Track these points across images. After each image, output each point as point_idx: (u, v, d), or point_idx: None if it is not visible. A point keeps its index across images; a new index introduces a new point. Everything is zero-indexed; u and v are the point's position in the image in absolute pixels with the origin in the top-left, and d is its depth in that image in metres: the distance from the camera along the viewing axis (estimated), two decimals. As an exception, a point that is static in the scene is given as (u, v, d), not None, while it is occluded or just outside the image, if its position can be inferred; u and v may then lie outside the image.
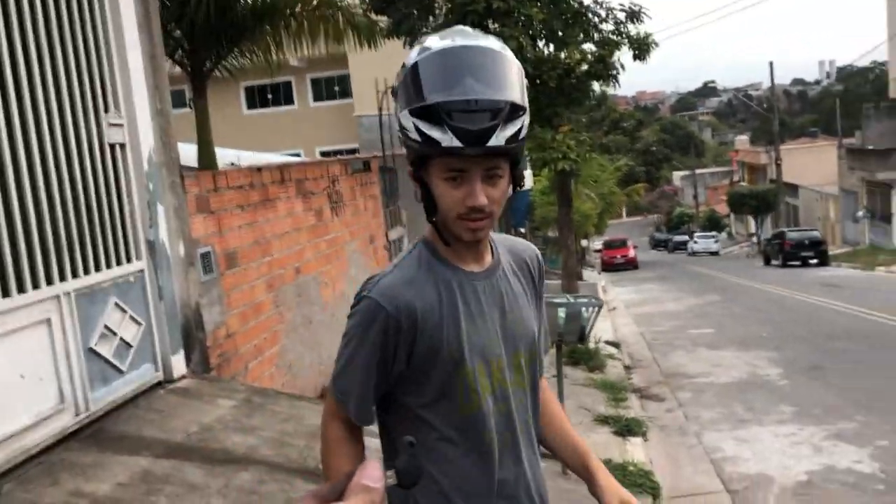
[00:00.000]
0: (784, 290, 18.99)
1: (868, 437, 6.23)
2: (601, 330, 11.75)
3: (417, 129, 1.39)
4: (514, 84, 1.40)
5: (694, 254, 45.23)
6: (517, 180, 1.50)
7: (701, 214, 60.48)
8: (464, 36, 1.43)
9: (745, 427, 6.95)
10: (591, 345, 9.84)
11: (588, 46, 12.27)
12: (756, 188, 46.23)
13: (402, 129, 1.43)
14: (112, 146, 4.28)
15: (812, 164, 44.29)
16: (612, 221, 45.81)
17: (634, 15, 12.23)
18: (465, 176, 1.41)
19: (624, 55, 13.41)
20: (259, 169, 6.72)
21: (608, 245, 39.93)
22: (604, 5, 12.31)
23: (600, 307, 5.65)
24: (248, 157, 11.47)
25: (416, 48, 1.45)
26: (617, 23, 12.32)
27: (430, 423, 1.52)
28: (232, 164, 9.49)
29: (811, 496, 5.12)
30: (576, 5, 12.15)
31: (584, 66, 11.80)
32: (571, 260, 13.86)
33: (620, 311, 17.58)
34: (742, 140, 69.01)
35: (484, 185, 1.42)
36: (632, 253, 37.64)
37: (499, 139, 1.37)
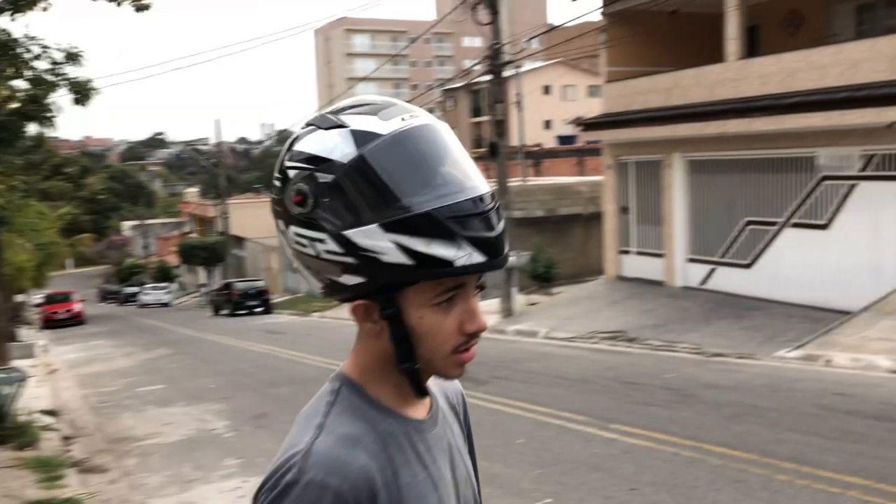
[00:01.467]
0: (232, 340, 19.64)
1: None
2: (34, 398, 10.50)
3: (404, 249, 1.00)
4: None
5: (145, 306, 44.41)
6: None
7: (152, 265, 59.57)
8: (388, 109, 1.06)
9: (193, 487, 6.84)
10: (22, 418, 8.69)
11: (19, 83, 11.13)
12: (206, 240, 47.38)
13: (359, 251, 1.02)
14: None
15: (257, 218, 47.19)
16: (54, 274, 42.17)
17: (72, 57, 11.45)
18: (460, 294, 1.06)
19: (64, 97, 12.45)
20: None
21: (49, 299, 36.40)
22: (38, 42, 11.28)
23: (23, 380, 5.00)
24: None
25: (339, 134, 1.04)
26: (53, 63, 11.39)
27: None
28: None
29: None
30: (4, 37, 10.90)
31: (15, 104, 10.67)
32: (2, 320, 12.23)
33: (63, 373, 16.06)
34: (192, 192, 70.40)
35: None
36: (77, 307, 35.05)
37: (507, 242, 1.07)
